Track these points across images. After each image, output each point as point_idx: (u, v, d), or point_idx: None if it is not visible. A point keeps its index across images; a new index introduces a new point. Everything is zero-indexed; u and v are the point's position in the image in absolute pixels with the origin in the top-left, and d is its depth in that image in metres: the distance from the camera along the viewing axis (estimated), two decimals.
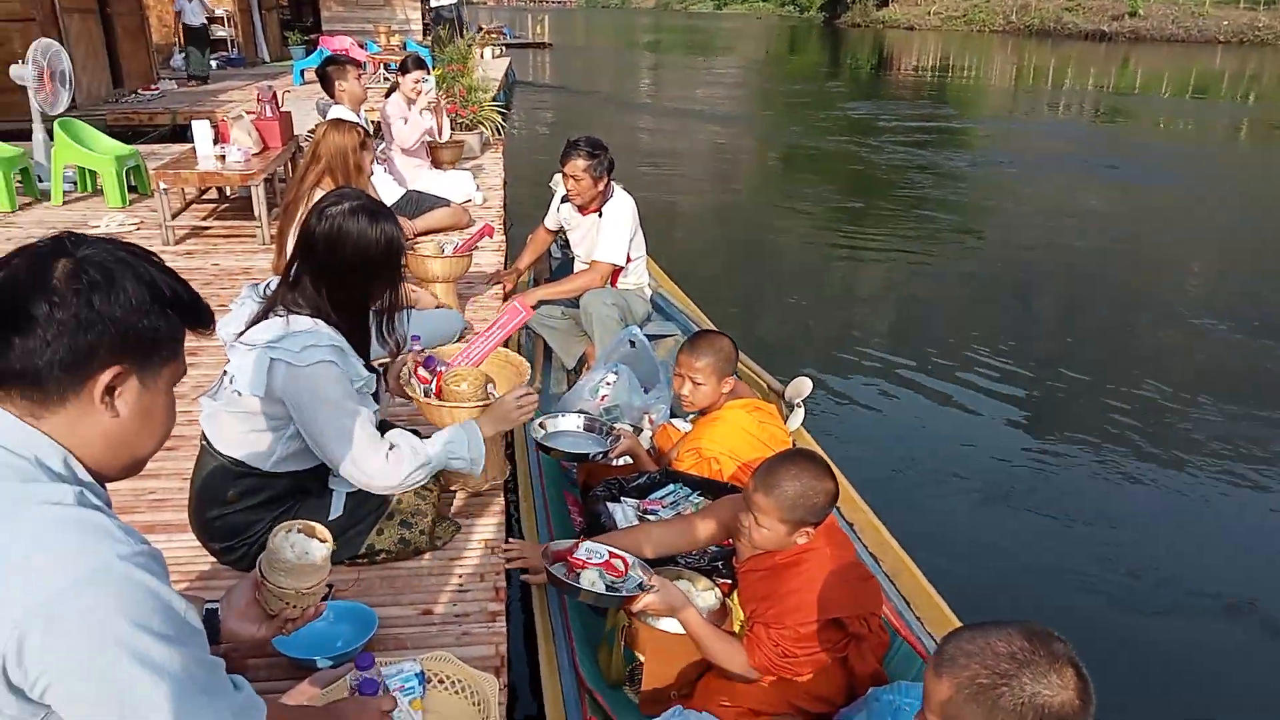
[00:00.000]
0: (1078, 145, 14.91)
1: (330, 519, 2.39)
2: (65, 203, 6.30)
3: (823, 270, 8.09)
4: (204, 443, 2.34)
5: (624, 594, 2.12)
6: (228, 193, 6.34)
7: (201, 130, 5.45)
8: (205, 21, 12.71)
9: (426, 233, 5.43)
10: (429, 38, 15.83)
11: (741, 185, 12.05)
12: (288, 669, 2.02)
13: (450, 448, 2.37)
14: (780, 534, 2.06)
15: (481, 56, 14.40)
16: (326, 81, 5.50)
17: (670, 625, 2.15)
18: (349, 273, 2.21)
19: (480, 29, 20.13)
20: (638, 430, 3.27)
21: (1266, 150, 16.07)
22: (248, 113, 5.96)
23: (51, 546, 1.03)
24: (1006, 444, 4.83)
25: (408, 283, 4.06)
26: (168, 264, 1.23)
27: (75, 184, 6.58)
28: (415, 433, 2.44)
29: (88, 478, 1.17)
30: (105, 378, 1.13)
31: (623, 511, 2.56)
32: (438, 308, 4.08)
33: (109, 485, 1.26)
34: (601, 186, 4.06)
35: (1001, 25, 43.61)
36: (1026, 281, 7.77)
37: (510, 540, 2.51)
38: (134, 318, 1.13)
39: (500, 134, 8.84)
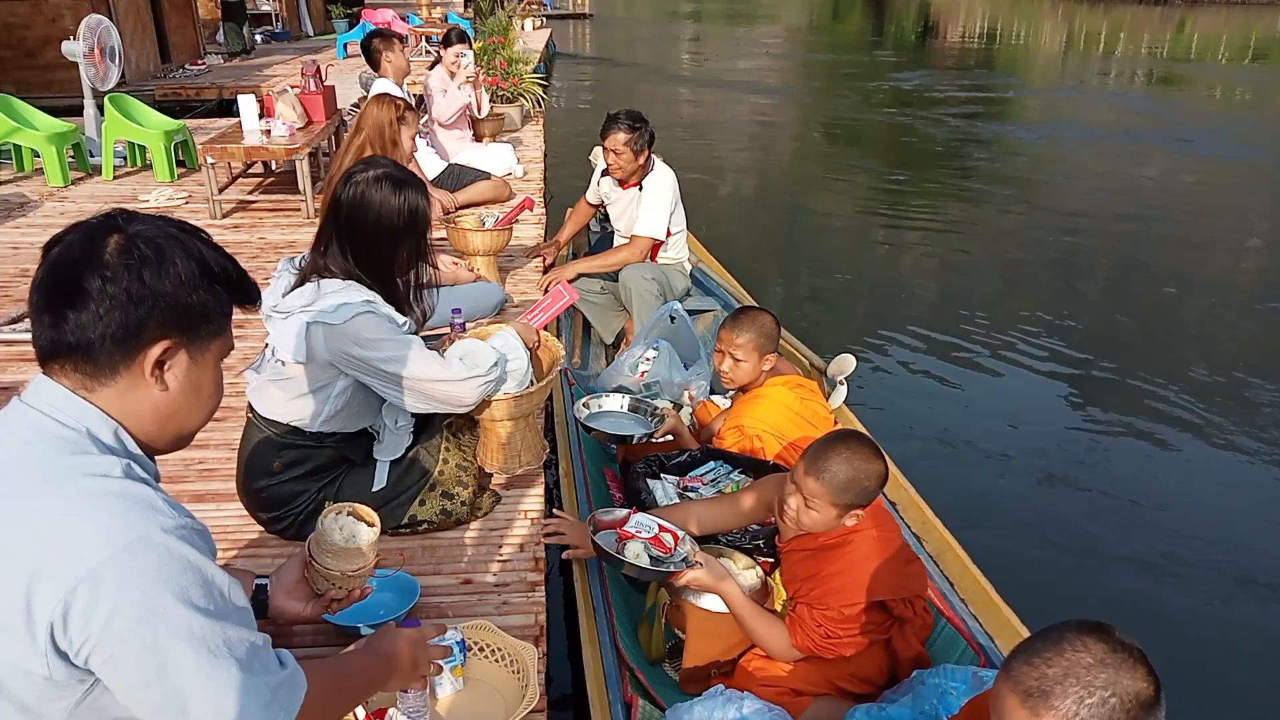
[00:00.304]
0: (1130, 114, 14.50)
1: (375, 490, 2.44)
2: (115, 177, 6.42)
3: (866, 244, 7.95)
4: (250, 415, 2.39)
5: (668, 569, 2.12)
6: (273, 167, 6.41)
7: (247, 105, 5.52)
8: None
9: (467, 206, 5.45)
10: (470, 9, 15.82)
11: (783, 158, 11.89)
12: (332, 635, 2.07)
13: (504, 349, 2.44)
14: (830, 517, 2.03)
15: (522, 28, 14.38)
16: (370, 55, 5.52)
17: (712, 603, 2.14)
18: (373, 239, 2.24)
19: (521, 0, 20.06)
20: (678, 406, 3.26)
21: None
22: (292, 87, 6.01)
23: (97, 518, 1.06)
24: (1052, 422, 4.74)
25: (449, 256, 4.13)
26: (215, 238, 1.26)
27: (125, 159, 6.70)
28: None
29: (137, 450, 1.20)
30: (155, 351, 1.16)
31: (663, 488, 2.55)
32: (477, 280, 4.10)
33: (159, 457, 1.30)
34: (642, 160, 4.04)
35: None
36: (1075, 256, 7.57)
37: (552, 514, 2.52)
38: (183, 293, 1.16)
39: (541, 106, 8.83)
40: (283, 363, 2.25)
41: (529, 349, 2.62)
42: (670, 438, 2.96)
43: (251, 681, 1.13)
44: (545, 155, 7.41)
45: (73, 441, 1.12)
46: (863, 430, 3.16)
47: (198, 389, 1.24)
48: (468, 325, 2.85)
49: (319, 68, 6.13)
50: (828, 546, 2.09)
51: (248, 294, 1.28)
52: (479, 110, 6.34)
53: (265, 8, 15.33)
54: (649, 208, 4.07)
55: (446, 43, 6.06)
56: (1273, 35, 27.32)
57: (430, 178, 5.51)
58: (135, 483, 1.11)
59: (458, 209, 5.35)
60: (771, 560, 2.37)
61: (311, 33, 16.56)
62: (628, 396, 3.11)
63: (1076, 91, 17.27)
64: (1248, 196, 9.77)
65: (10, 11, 9.41)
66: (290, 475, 2.36)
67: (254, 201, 5.88)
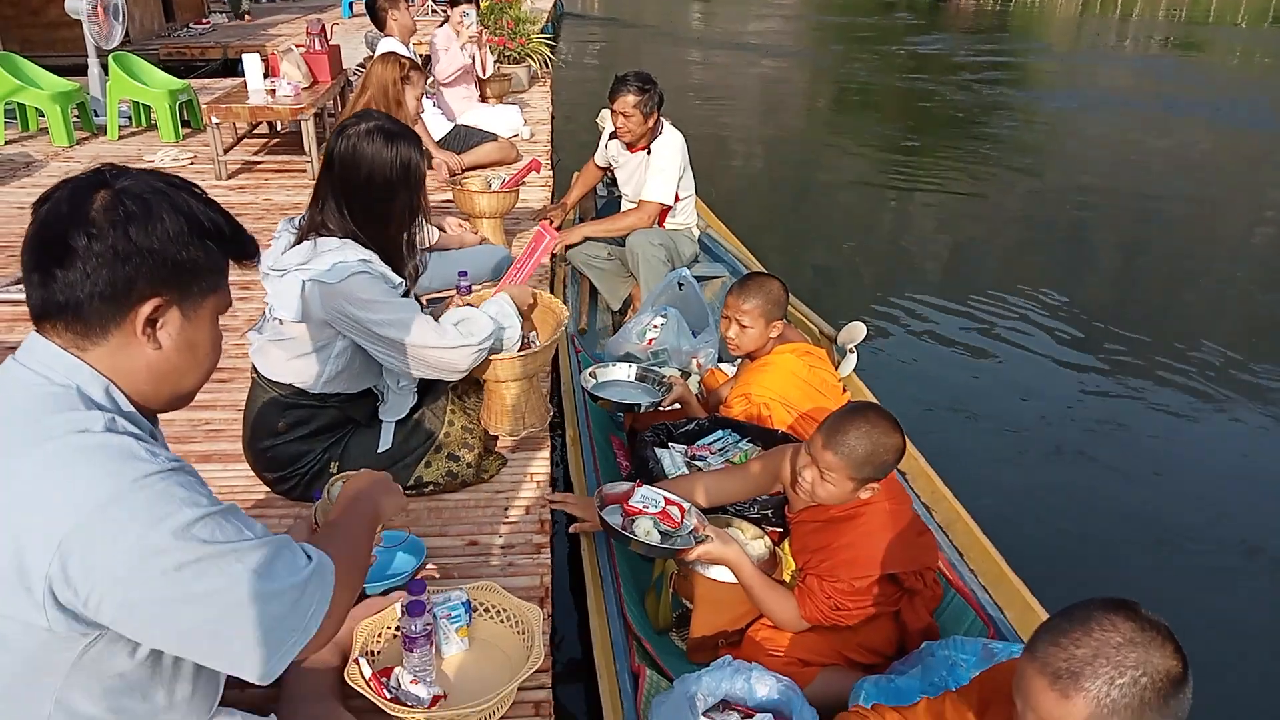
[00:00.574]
0: (1149, 80, 14.28)
1: (380, 451, 2.45)
2: (120, 137, 6.38)
3: (876, 210, 7.86)
4: (254, 375, 2.39)
5: (677, 546, 2.10)
6: (278, 127, 6.36)
7: (252, 64, 5.46)
8: None
9: (474, 168, 5.41)
10: None
11: (793, 121, 11.75)
12: None
13: (500, 318, 2.42)
14: (846, 490, 2.01)
15: None
16: (376, 14, 5.45)
17: (720, 573, 2.13)
18: (367, 193, 2.22)
19: None
20: (685, 374, 3.23)
21: None
22: (297, 46, 5.94)
23: (80, 472, 1.05)
24: (1064, 392, 4.69)
25: (455, 218, 4.09)
26: (220, 200, 1.23)
27: (130, 118, 6.65)
28: None
29: (130, 408, 1.18)
30: (146, 310, 1.14)
31: (671, 457, 2.53)
32: (482, 243, 4.07)
33: (165, 416, 1.29)
34: (651, 123, 3.97)
35: None
36: (1090, 225, 7.48)
37: (557, 493, 2.50)
38: (172, 249, 1.14)
39: (548, 67, 8.72)
40: (280, 321, 2.25)
41: (522, 312, 2.60)
42: (678, 406, 2.93)
43: (275, 587, 1.13)
44: (552, 117, 7.33)
45: (61, 398, 1.11)
46: (874, 400, 3.14)
47: (192, 347, 1.22)
48: (473, 288, 2.83)
49: (324, 26, 6.06)
50: (839, 518, 2.07)
51: (243, 249, 1.25)
52: (483, 71, 6.27)
53: None
54: (657, 171, 4.01)
55: (454, 1, 5.98)
56: None
57: (436, 139, 5.47)
58: (116, 434, 1.10)
59: (464, 171, 5.31)
60: (780, 530, 2.35)
61: None
62: (635, 365, 3.08)
63: (1094, 56, 17.03)
64: (1262, 164, 9.64)
65: None
66: (295, 435, 2.36)
67: (259, 162, 5.84)
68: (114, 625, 1.08)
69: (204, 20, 11.69)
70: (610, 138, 4.27)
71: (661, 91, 3.96)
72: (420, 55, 6.44)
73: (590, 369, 3.06)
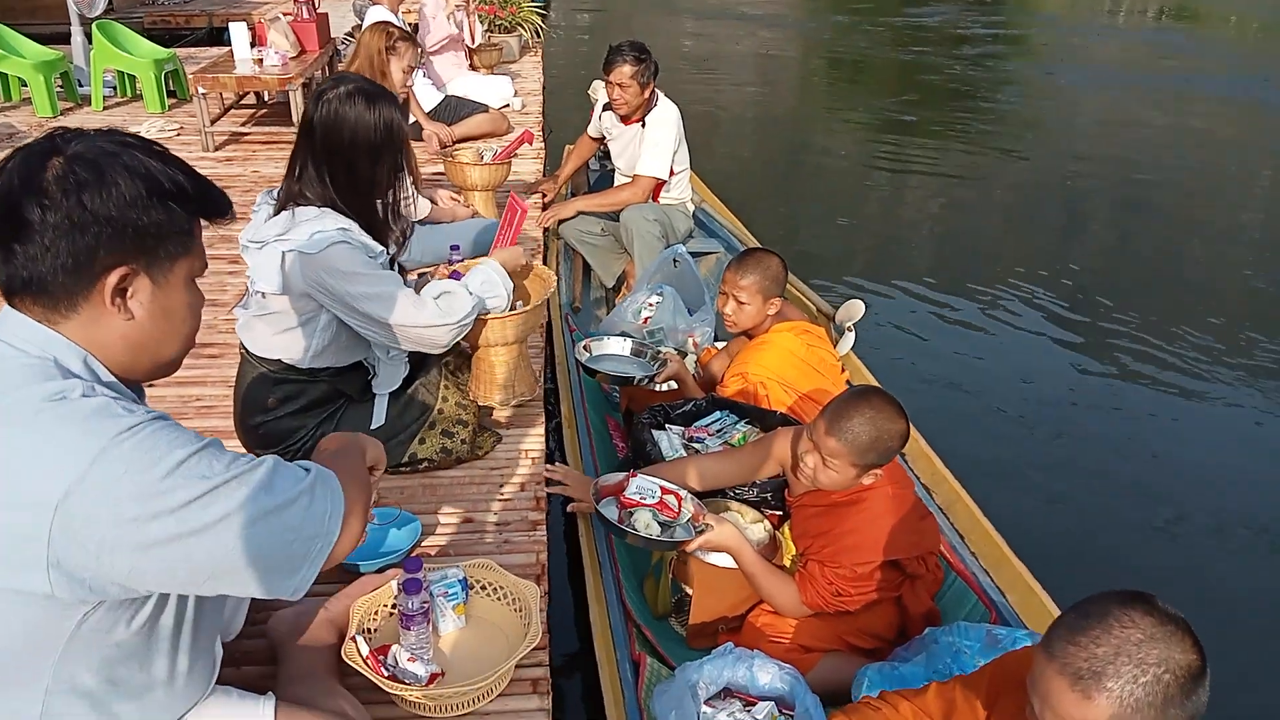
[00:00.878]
0: (1147, 52, 14.19)
1: (373, 427, 2.43)
2: (105, 108, 6.27)
3: (872, 186, 7.77)
4: (243, 352, 2.36)
5: (676, 538, 2.08)
6: (265, 98, 6.27)
7: (239, 33, 5.37)
8: None
9: (465, 139, 5.34)
10: None
11: (789, 93, 11.63)
12: (333, 573, 2.06)
13: (485, 287, 2.38)
14: (849, 476, 1.99)
15: None
16: None
17: (720, 559, 2.12)
18: (351, 157, 2.17)
19: None
20: (682, 353, 3.19)
21: None
22: (284, 14, 5.84)
23: (63, 435, 1.04)
24: (1065, 371, 4.66)
25: (447, 191, 4.05)
26: (208, 171, 1.20)
27: (115, 89, 6.54)
28: None
29: (110, 378, 1.16)
30: (112, 280, 1.11)
31: (668, 439, 2.50)
32: (473, 217, 4.03)
33: (156, 394, 1.27)
34: (647, 94, 3.92)
35: None
36: (1088, 201, 7.41)
37: (554, 465, 2.48)
38: (131, 214, 1.09)
39: (540, 37, 8.61)
40: (263, 295, 2.21)
41: (515, 275, 2.57)
42: (674, 385, 2.91)
43: (282, 499, 1.13)
44: (544, 88, 7.25)
45: (38, 369, 1.09)
46: (872, 379, 3.12)
47: (168, 314, 1.18)
48: (466, 261, 2.81)
49: None
50: (841, 503, 2.05)
51: (212, 206, 1.20)
52: (471, 39, 6.18)
53: None
54: (652, 144, 3.96)
55: None
56: None
57: (427, 110, 5.40)
58: (93, 398, 1.08)
59: (455, 142, 5.25)
60: (780, 513, 2.33)
61: None
62: (630, 339, 3.05)
63: (1093, 27, 16.87)
64: (1258, 137, 9.60)
65: None
66: (286, 410, 2.34)
67: (247, 134, 5.76)
68: (130, 577, 1.07)
69: None
70: (604, 109, 4.22)
71: (657, 62, 3.90)
72: (409, 23, 6.34)
73: (584, 342, 3.03)
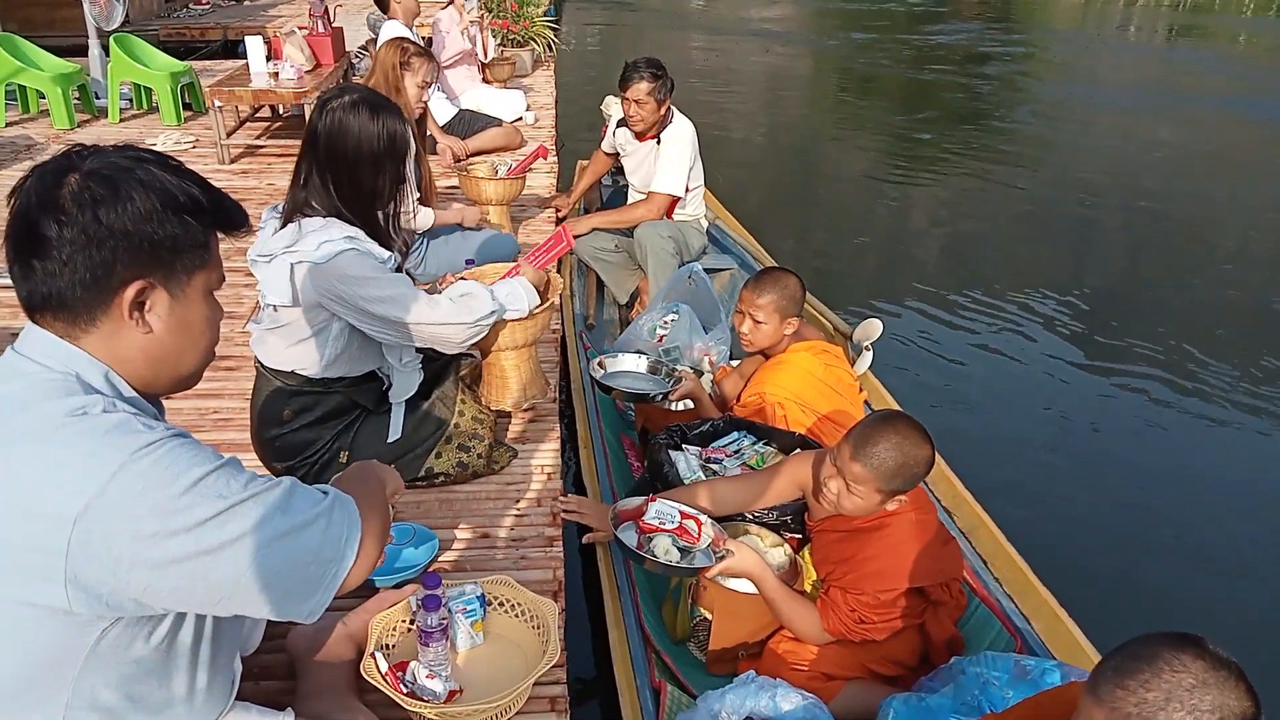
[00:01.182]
0: (1157, 71, 14.20)
1: (390, 440, 2.43)
2: (121, 120, 6.32)
3: (884, 203, 7.71)
4: (258, 365, 2.37)
5: (697, 565, 2.04)
6: (280, 111, 6.31)
7: (255, 47, 5.41)
8: None
9: (479, 153, 5.37)
10: None
11: (801, 110, 11.61)
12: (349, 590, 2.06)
13: (510, 299, 2.43)
14: (874, 503, 1.96)
15: None
16: None
17: (740, 584, 2.09)
18: (354, 167, 2.19)
19: None
20: (698, 372, 3.16)
21: None
22: (300, 28, 5.89)
23: (84, 450, 1.04)
24: (1088, 391, 4.56)
25: (460, 204, 4.06)
26: (224, 184, 1.20)
27: (131, 101, 6.59)
28: None
29: (131, 393, 1.17)
30: (130, 293, 1.11)
31: (686, 460, 2.46)
32: (483, 220, 4.01)
33: (173, 406, 1.27)
34: (663, 111, 3.92)
35: None
36: (1103, 221, 7.32)
37: (568, 497, 2.46)
38: (146, 228, 1.10)
39: (552, 51, 8.65)
40: (275, 308, 2.22)
41: (539, 290, 2.58)
42: (690, 404, 2.88)
43: (299, 520, 1.14)
44: (556, 102, 7.28)
45: (60, 385, 1.10)
46: (890, 399, 3.10)
47: (186, 327, 1.19)
48: (480, 268, 2.83)
49: (327, 8, 5.99)
50: (864, 529, 2.02)
51: (228, 219, 1.21)
52: (484, 54, 6.22)
53: None
54: (667, 161, 3.95)
55: None
56: None
57: (441, 123, 5.43)
58: (113, 413, 1.08)
59: (468, 156, 5.27)
60: (799, 536, 2.30)
61: None
62: (645, 356, 3.02)
63: (1102, 45, 16.91)
64: (1266, 157, 9.55)
65: None
66: (302, 423, 2.35)
67: (262, 146, 5.79)
68: (147, 594, 1.07)
69: (203, 1, 11.59)
70: (618, 125, 4.22)
71: (673, 79, 3.91)
72: (423, 37, 6.39)
73: (598, 359, 3.01)
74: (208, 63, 8.23)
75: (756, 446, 2.52)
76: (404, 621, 1.88)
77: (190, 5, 11.24)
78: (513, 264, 2.83)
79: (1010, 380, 4.72)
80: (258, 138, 5.90)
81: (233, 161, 5.48)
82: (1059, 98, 11.80)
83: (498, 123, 5.67)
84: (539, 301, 2.50)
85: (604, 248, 4.14)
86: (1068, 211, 7.50)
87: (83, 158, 1.11)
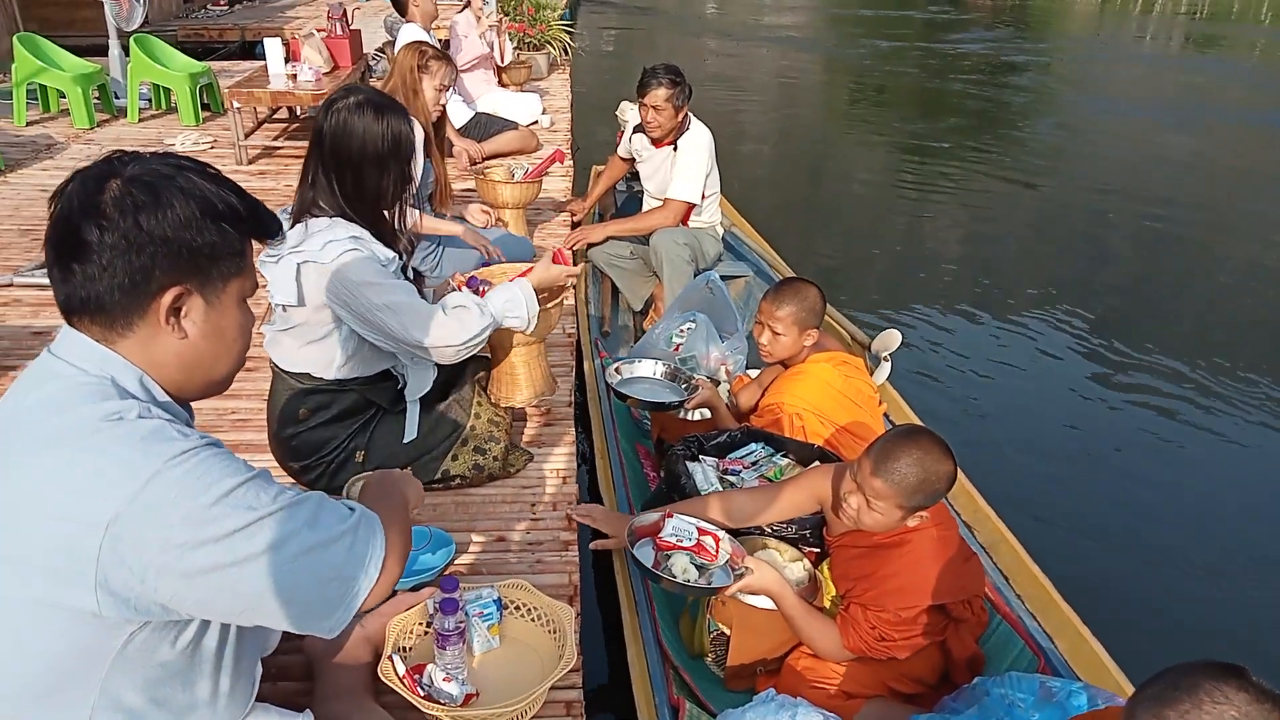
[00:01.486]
0: (1168, 81, 14.13)
1: (405, 441, 2.44)
2: (140, 120, 6.37)
3: (900, 212, 7.66)
4: (273, 367, 2.39)
5: (715, 584, 2.02)
6: (298, 112, 6.35)
7: (274, 49, 5.43)
8: None
9: (495, 155, 5.39)
10: None
11: (816, 116, 11.59)
12: None
13: (510, 305, 2.38)
14: (894, 519, 1.93)
15: None
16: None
17: (759, 599, 2.07)
18: (359, 167, 2.20)
19: None
20: (715, 381, 3.13)
21: None
22: (318, 30, 5.92)
23: (118, 456, 1.05)
24: (1112, 403, 4.51)
25: (476, 205, 4.07)
26: (242, 185, 1.21)
27: (150, 101, 6.64)
28: None
29: (165, 398, 1.18)
30: (167, 299, 1.13)
31: (703, 472, 2.43)
32: (495, 225, 4.01)
33: (200, 401, 1.28)
34: (680, 118, 3.92)
35: None
36: (1121, 232, 7.26)
37: (581, 505, 2.46)
38: (185, 235, 1.12)
39: (568, 54, 8.67)
40: (284, 308, 2.24)
41: (551, 292, 2.56)
42: (707, 414, 2.86)
43: (326, 536, 1.15)
44: (572, 105, 7.29)
45: (96, 389, 1.11)
46: (909, 410, 3.08)
47: (220, 334, 1.21)
48: (492, 267, 2.84)
49: (345, 10, 6.03)
50: (884, 545, 1.99)
51: (263, 228, 1.23)
52: (501, 58, 6.24)
53: None
54: (684, 169, 3.93)
55: None
56: None
57: (457, 126, 5.45)
58: (148, 419, 1.10)
59: (485, 159, 5.29)
60: (817, 550, 2.28)
61: None
62: (662, 363, 3.00)
63: (1118, 54, 16.85)
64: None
65: None
66: (317, 420, 2.36)
67: (279, 148, 5.83)
68: (173, 601, 1.09)
69: (221, 1, 11.67)
70: (635, 131, 4.22)
71: (691, 85, 3.91)
72: (440, 39, 6.41)
73: (614, 365, 2.99)
74: (225, 63, 8.29)
75: (775, 459, 2.50)
76: (421, 624, 1.89)
77: (208, 6, 11.32)
78: (526, 265, 2.83)
79: (1029, 392, 4.67)
80: (275, 139, 5.94)
81: (250, 162, 5.51)
82: (1075, 107, 11.75)
83: (514, 126, 5.69)
84: (536, 308, 2.45)
85: (619, 254, 4.14)
86: (1086, 222, 7.45)
87: (124, 164, 1.13)
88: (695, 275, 3.79)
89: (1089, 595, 2.34)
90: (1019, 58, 15.09)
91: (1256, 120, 11.28)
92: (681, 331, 3.22)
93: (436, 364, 2.50)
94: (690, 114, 3.99)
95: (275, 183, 5.21)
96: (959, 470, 2.64)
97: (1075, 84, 13.59)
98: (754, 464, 2.48)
